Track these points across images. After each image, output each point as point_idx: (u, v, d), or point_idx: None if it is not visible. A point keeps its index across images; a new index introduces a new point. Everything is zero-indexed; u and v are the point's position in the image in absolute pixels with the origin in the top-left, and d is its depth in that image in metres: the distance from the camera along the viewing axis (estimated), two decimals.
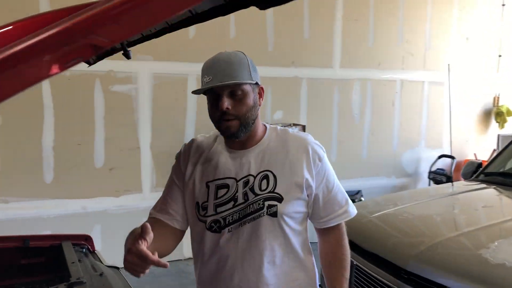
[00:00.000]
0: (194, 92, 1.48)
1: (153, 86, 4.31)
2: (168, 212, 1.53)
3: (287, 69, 4.91)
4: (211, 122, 1.49)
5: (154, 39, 1.31)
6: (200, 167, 1.54)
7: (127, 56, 1.25)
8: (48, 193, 4.00)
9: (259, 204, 1.47)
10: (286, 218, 1.49)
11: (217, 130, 1.52)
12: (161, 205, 1.56)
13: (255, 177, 1.49)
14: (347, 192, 1.60)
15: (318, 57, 5.07)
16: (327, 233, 1.60)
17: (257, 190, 1.47)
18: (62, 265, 1.58)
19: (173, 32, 1.23)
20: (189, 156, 1.57)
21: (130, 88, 4.23)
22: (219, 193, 1.49)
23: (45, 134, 3.95)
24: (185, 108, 4.45)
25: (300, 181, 1.50)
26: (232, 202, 1.48)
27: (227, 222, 1.48)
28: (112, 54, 1.41)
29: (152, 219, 1.52)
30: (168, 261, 1.21)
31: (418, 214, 2.24)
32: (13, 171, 3.86)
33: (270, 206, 1.47)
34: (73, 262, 1.56)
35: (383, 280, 1.81)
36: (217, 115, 1.43)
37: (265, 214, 1.47)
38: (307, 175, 1.50)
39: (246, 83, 1.43)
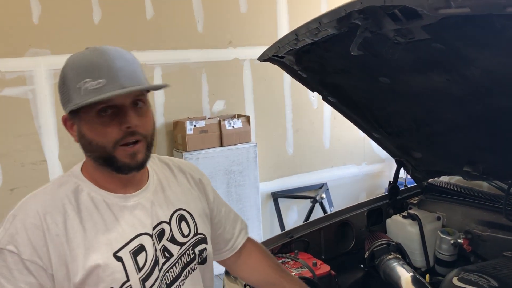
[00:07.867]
0: (75, 105, 0.98)
1: (54, 85, 3.57)
2: None
3: (223, 50, 4.15)
4: None
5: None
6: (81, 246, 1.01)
7: None
8: None
9: (189, 255, 1.16)
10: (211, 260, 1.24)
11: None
12: None
13: (169, 223, 1.14)
14: None
15: (261, 34, 4.29)
16: (244, 253, 1.38)
17: (179, 238, 1.14)
18: None
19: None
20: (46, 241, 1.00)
21: (25, 90, 3.50)
22: (138, 261, 1.06)
23: None
24: None
25: (206, 210, 1.26)
26: (157, 267, 1.08)
27: None
28: None
29: None
30: None
31: None
32: None
33: (201, 252, 1.19)
34: None
35: None
36: (115, 138, 0.99)
37: (197, 264, 1.19)
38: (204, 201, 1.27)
39: (147, 91, 1.06)
